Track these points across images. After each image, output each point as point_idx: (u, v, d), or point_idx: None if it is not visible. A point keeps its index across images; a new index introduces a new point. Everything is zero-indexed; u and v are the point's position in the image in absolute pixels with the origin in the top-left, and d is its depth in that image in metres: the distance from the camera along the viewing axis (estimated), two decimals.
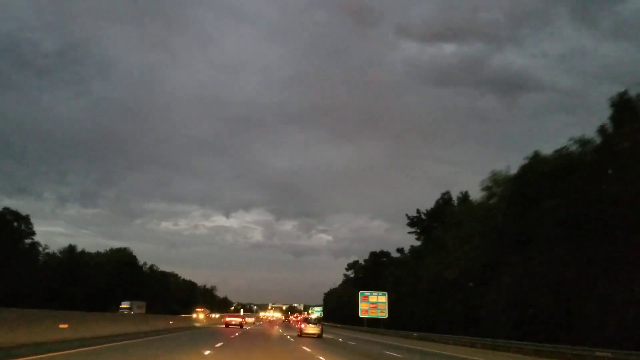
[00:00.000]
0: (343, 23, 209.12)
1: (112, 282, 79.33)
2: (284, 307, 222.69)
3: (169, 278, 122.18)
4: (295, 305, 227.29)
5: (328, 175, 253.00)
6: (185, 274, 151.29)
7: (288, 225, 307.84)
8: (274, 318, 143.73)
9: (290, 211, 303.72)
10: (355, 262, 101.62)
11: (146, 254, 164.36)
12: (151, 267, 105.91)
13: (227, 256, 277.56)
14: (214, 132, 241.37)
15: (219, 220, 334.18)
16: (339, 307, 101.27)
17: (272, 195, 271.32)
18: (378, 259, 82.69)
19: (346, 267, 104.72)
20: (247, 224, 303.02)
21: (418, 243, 59.20)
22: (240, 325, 49.94)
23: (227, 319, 52.91)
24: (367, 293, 60.75)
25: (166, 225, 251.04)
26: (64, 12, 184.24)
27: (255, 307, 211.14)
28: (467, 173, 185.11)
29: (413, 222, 59.14)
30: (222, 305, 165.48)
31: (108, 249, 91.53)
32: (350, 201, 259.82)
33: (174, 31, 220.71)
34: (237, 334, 33.31)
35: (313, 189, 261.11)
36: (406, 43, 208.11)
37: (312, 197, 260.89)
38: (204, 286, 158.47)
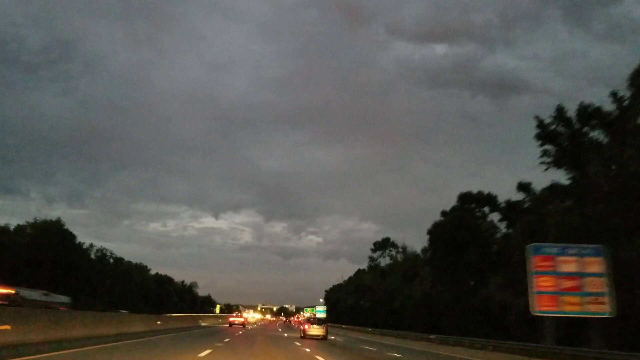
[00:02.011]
0: (335, 22, 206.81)
1: (29, 260, 51.82)
2: (275, 309, 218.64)
3: (132, 269, 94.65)
4: (287, 306, 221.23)
5: (318, 176, 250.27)
6: (176, 275, 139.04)
7: (278, 227, 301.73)
8: (260, 320, 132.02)
9: (280, 213, 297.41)
10: (385, 240, 76.46)
11: (134, 255, 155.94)
12: (101, 251, 78.23)
13: (216, 258, 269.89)
14: (204, 132, 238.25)
15: (208, 221, 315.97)
16: (347, 306, 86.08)
17: (262, 197, 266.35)
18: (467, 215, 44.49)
19: (372, 246, 79.98)
20: (236, 226, 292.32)
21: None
22: (243, 324, 55.80)
23: (231, 319, 58.85)
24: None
25: (154, 226, 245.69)
26: (51, 8, 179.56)
27: (241, 307, 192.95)
28: (457, 175, 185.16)
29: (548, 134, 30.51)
30: (204, 304, 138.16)
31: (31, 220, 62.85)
32: (340, 203, 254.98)
33: (163, 28, 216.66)
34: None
35: (303, 190, 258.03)
36: (398, 43, 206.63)
37: (302, 198, 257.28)
38: (182, 282, 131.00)
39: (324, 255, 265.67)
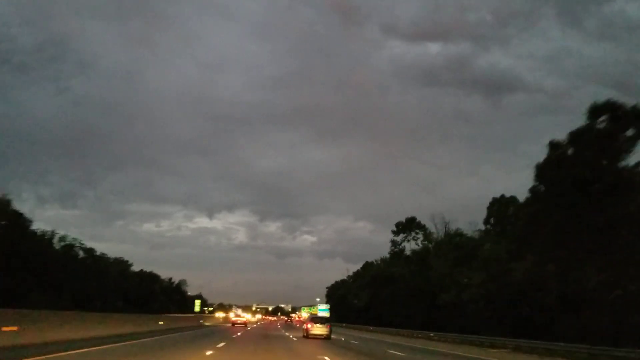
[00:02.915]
0: (329, 21, 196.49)
1: None
2: (270, 308, 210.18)
3: (109, 264, 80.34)
4: (283, 305, 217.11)
5: (313, 175, 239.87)
6: (166, 275, 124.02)
7: (272, 227, 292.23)
8: (261, 319, 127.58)
9: (275, 212, 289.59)
10: (410, 221, 63.51)
11: (127, 256, 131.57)
12: (64, 239, 63.85)
13: (210, 258, 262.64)
14: (198, 132, 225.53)
15: (203, 221, 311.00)
16: (360, 302, 77.95)
17: (257, 196, 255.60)
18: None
19: (394, 228, 66.79)
20: (230, 225, 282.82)
21: None
22: (245, 324, 60.14)
23: (234, 319, 64.51)
24: None
25: (148, 226, 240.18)
26: (43, 7, 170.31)
27: (235, 306, 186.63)
28: (451, 174, 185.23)
29: None
30: (193, 304, 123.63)
31: None
32: (334, 202, 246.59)
33: (157, 28, 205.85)
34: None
35: (298, 189, 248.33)
36: (392, 42, 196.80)
37: (296, 197, 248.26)
38: (170, 280, 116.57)
39: (319, 254, 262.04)
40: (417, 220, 67.00)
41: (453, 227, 52.73)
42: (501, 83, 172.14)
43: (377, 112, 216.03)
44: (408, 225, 67.61)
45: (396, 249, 69.47)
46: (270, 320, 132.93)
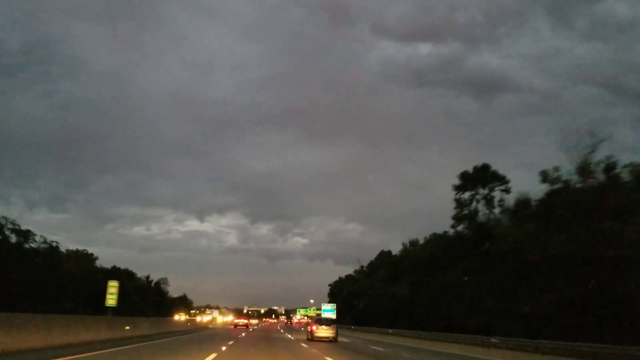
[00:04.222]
0: (320, 22, 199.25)
1: None
2: (262, 310, 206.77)
3: (62, 256, 62.73)
4: (275, 308, 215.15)
5: (304, 177, 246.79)
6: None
7: (263, 229, 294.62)
8: (261, 322, 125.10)
9: (266, 214, 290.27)
10: (481, 170, 46.40)
11: (117, 260, 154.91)
12: None
13: (201, 261, 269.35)
14: (188, 133, 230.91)
15: (193, 224, 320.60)
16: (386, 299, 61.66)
17: (248, 198, 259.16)
18: None
19: (457, 180, 46.87)
20: (221, 228, 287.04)
21: None
22: (247, 326, 66.89)
23: (236, 321, 71.11)
24: None
25: (138, 230, 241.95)
26: (30, 8, 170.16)
27: (223, 309, 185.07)
28: (442, 175, 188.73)
29: None
30: (176, 305, 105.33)
31: None
32: (326, 204, 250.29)
33: (146, 29, 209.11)
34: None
35: (289, 191, 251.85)
36: (383, 43, 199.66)
37: (287, 199, 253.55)
38: (147, 278, 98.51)
39: (310, 256, 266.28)
40: (491, 169, 45.60)
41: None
42: (491, 83, 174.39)
43: (367, 112, 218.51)
44: (480, 176, 45.86)
45: (463, 212, 46.52)
46: (270, 322, 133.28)
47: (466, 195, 45.92)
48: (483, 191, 45.00)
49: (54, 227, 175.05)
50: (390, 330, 52.66)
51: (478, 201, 45.18)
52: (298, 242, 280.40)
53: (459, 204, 46.09)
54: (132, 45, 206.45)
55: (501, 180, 44.33)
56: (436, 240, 54.38)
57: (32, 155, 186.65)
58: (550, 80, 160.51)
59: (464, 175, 46.07)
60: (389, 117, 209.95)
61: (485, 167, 45.46)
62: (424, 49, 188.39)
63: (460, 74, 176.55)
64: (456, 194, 46.59)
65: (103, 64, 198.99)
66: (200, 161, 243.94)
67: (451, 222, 46.93)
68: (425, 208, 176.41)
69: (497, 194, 44.60)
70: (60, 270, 55.48)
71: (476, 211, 45.29)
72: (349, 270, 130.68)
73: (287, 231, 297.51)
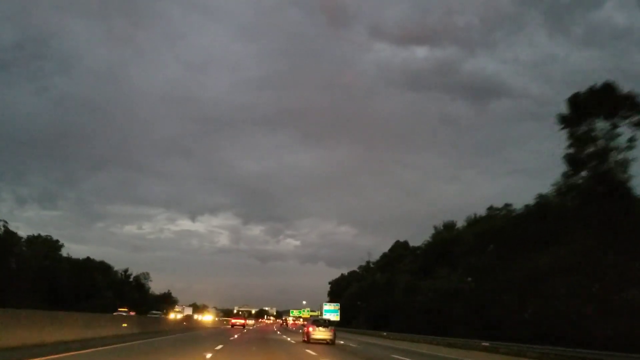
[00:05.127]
0: (316, 23, 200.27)
1: None
2: (253, 311, 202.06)
3: (17, 241, 52.61)
4: (267, 308, 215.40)
5: (297, 178, 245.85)
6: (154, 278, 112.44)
7: (256, 230, 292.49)
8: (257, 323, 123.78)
9: (258, 215, 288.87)
10: (604, 89, 26.86)
11: (108, 258, 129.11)
12: None
13: (192, 261, 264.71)
14: (182, 133, 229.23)
15: (185, 224, 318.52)
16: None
17: (240, 199, 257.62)
18: None
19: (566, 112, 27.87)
20: (213, 228, 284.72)
21: None
22: (243, 326, 68.15)
23: (233, 321, 72.22)
24: None
25: (130, 228, 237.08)
26: (24, 3, 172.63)
27: (214, 309, 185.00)
28: (435, 179, 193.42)
29: None
30: (159, 302, 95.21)
31: None
32: (319, 206, 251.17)
33: (141, 27, 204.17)
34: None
35: (282, 192, 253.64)
36: (379, 45, 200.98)
37: (280, 201, 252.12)
38: (126, 271, 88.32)
39: (302, 258, 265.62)
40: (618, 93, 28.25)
41: None
42: (487, 88, 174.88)
43: (362, 115, 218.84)
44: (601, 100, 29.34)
45: (588, 151, 30.10)
46: (267, 323, 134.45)
47: (582, 129, 30.19)
48: (604, 124, 29.54)
49: (45, 223, 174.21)
50: (440, 339, 37.38)
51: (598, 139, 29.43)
52: (290, 243, 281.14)
53: (578, 140, 30.02)
54: (126, 42, 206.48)
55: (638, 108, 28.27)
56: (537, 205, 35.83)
57: (23, 151, 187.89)
58: (546, 86, 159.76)
59: (574, 99, 30.29)
60: (384, 120, 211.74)
61: (608, 85, 29.45)
62: (421, 52, 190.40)
63: (456, 78, 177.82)
64: (562, 127, 30.87)
65: (97, 61, 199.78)
66: (193, 161, 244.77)
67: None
68: (418, 212, 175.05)
69: (623, 130, 28.79)
70: (9, 256, 45.43)
71: (609, 149, 29.11)
72: (342, 271, 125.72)
73: (280, 233, 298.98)
